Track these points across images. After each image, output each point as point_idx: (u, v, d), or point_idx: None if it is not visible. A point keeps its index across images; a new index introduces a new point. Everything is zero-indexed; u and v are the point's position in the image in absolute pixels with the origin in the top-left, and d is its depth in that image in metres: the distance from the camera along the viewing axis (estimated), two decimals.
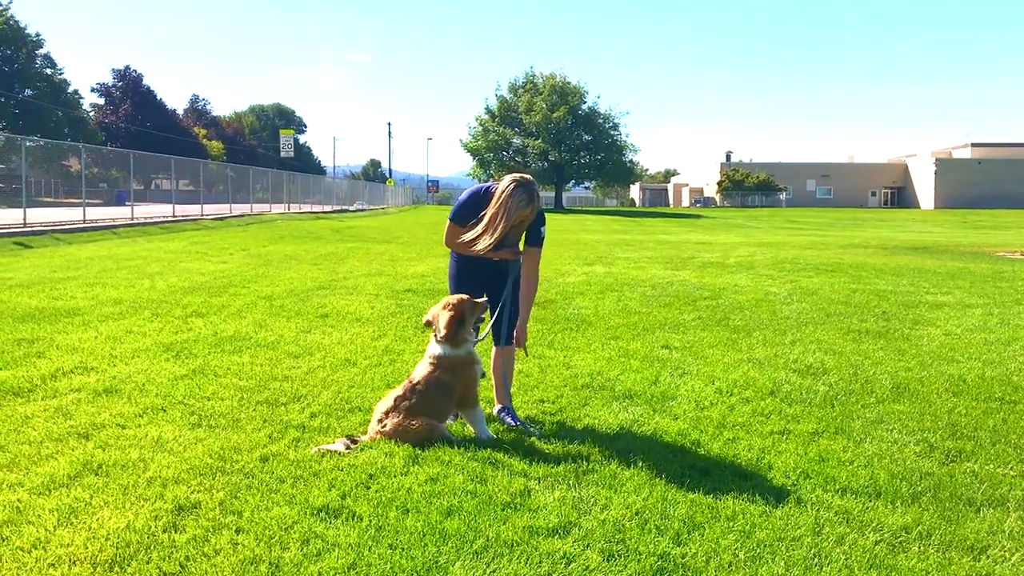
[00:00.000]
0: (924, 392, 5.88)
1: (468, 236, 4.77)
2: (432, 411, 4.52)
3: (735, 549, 3.29)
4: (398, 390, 4.61)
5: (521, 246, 5.07)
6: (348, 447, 4.35)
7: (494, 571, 3.07)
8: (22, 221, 23.10)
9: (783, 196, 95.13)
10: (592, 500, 3.75)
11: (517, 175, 4.76)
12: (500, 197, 4.66)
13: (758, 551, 3.28)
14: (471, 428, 4.68)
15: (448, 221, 4.98)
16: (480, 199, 4.84)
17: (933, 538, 3.45)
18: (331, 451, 4.29)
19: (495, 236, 4.67)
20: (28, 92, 69.88)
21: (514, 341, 5.06)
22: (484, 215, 4.72)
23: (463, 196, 5.01)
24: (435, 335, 4.66)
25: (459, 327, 4.60)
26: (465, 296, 4.75)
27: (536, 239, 4.98)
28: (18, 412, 4.99)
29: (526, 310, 5.07)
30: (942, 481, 4.10)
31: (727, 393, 5.75)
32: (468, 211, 4.87)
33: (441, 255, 17.76)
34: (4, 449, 4.31)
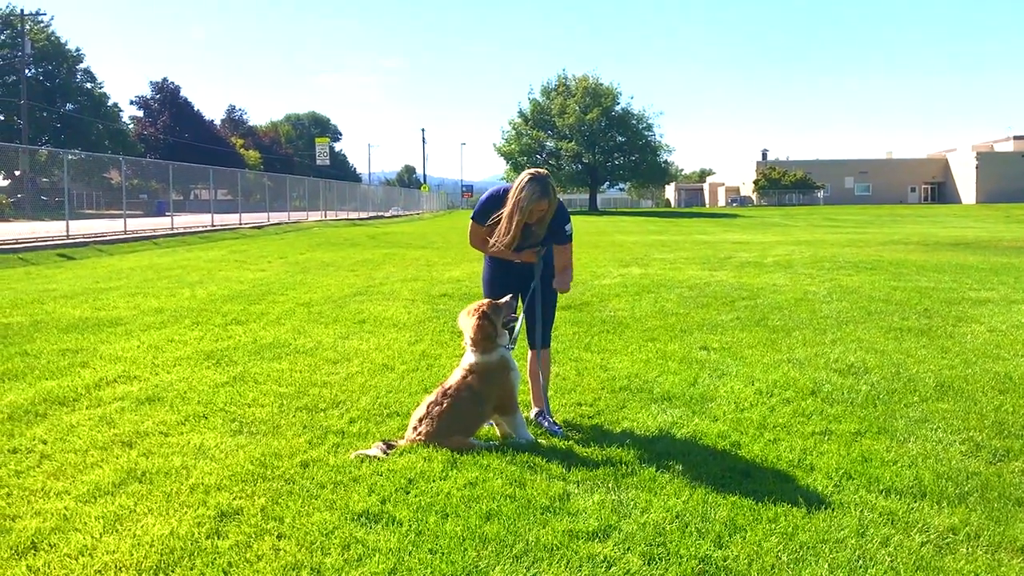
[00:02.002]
0: (969, 390, 5.78)
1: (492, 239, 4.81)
2: (462, 418, 4.52)
3: (778, 552, 3.25)
4: (432, 396, 4.63)
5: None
6: (385, 452, 4.37)
7: (534, 575, 3.07)
8: (65, 233, 23.51)
9: (821, 194, 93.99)
10: (632, 503, 3.73)
11: (532, 170, 4.76)
12: (514, 193, 4.68)
13: (801, 553, 3.24)
14: (511, 432, 4.66)
15: (471, 220, 5.03)
16: (500, 198, 4.86)
17: (981, 539, 3.39)
18: (369, 456, 4.31)
19: (512, 232, 4.70)
20: (69, 106, 71.13)
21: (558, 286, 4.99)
22: (502, 214, 4.75)
23: (484, 196, 5.05)
24: (464, 343, 4.69)
25: (486, 331, 4.61)
26: (487, 300, 4.76)
27: (562, 238, 4.94)
28: (64, 421, 5.08)
29: (563, 282, 4.99)
30: (989, 481, 4.02)
31: (767, 394, 5.70)
32: (488, 209, 4.91)
33: (475, 259, 17.78)
34: (51, 457, 4.39)
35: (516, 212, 4.65)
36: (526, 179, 4.67)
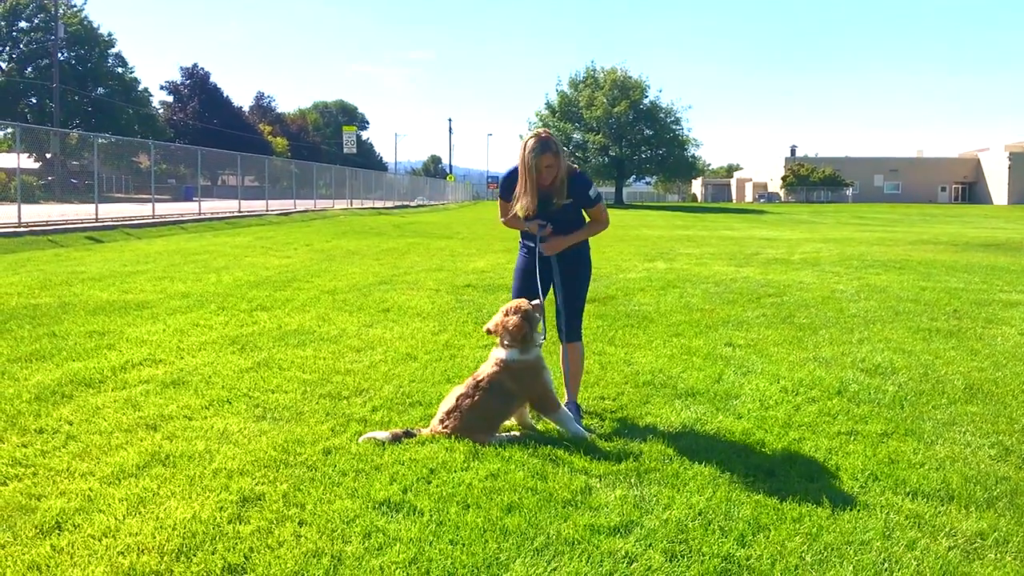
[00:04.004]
0: (998, 393, 5.70)
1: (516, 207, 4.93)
2: (489, 413, 4.50)
3: (801, 552, 3.22)
4: (461, 388, 4.61)
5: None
6: (395, 437, 4.39)
7: (555, 569, 3.05)
8: (94, 216, 23.73)
9: (849, 191, 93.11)
10: (654, 499, 3.70)
11: (533, 131, 4.84)
12: (519, 154, 4.79)
13: (825, 554, 3.21)
14: (562, 429, 4.61)
15: (499, 200, 5.14)
16: (516, 171, 4.94)
17: (1010, 545, 3.33)
18: (378, 439, 4.35)
19: (529, 192, 4.77)
20: (100, 90, 71.70)
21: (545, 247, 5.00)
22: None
23: (503, 174, 5.15)
24: (501, 341, 4.64)
25: (524, 331, 4.58)
26: (524, 300, 4.74)
27: (589, 201, 4.98)
28: (90, 403, 5.12)
29: (583, 235, 5.06)
30: (1019, 486, 3.96)
31: (792, 392, 5.64)
32: (509, 184, 4.99)
33: (499, 251, 17.78)
34: (76, 439, 4.42)
35: (525, 171, 4.74)
36: (528, 139, 4.76)
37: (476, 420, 4.45)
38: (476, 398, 4.48)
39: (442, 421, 4.50)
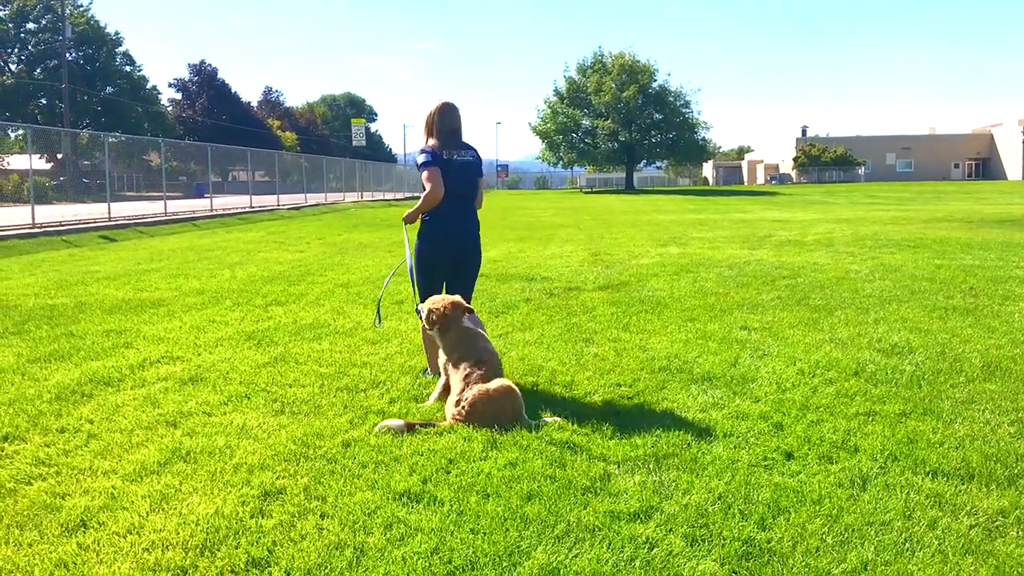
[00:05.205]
0: (1017, 370, 5.67)
1: None
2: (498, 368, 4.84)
3: (822, 534, 3.22)
4: (461, 374, 4.78)
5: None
6: (410, 426, 4.45)
7: (576, 556, 3.06)
8: (107, 215, 23.85)
9: (861, 171, 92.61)
10: (673, 484, 3.71)
11: None
12: None
13: (846, 536, 3.21)
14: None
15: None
16: None
17: None
18: (391, 428, 4.41)
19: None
20: (109, 89, 71.92)
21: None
22: None
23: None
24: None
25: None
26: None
27: (418, 168, 5.62)
28: (109, 401, 5.16)
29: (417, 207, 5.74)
30: None
31: (809, 374, 5.63)
32: None
33: (511, 240, 17.77)
34: (97, 437, 4.46)
35: None
36: None
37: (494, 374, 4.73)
38: (484, 370, 4.69)
39: (457, 403, 4.56)
